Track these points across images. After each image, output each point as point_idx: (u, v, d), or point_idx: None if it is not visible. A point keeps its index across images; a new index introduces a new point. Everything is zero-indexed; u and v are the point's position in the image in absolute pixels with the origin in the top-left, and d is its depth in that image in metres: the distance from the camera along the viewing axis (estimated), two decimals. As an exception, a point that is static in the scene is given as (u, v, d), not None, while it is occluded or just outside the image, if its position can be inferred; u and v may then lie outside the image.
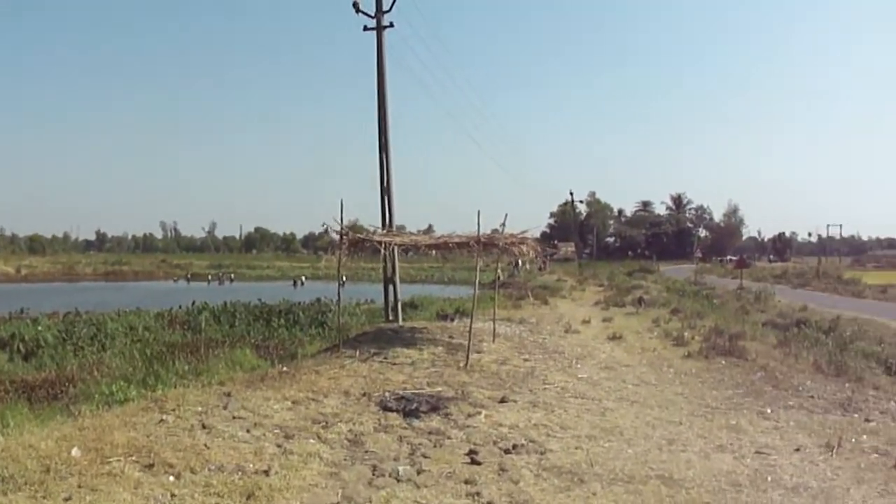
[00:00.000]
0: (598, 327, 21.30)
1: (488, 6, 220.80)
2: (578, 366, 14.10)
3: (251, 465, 6.88)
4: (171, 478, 6.42)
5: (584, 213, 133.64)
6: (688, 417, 9.95)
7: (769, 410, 10.42)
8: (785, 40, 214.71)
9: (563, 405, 10.35)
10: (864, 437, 8.92)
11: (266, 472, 6.69)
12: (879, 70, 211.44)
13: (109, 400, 11.08)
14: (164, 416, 8.52)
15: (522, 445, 8.03)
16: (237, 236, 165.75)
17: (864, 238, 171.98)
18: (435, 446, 7.98)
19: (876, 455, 8.12)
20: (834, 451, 8.18)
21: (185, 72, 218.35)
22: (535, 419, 9.39)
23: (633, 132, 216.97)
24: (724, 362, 14.65)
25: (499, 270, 39.46)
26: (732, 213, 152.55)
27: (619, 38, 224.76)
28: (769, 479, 7.19)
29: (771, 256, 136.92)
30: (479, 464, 7.29)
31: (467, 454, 7.59)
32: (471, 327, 14.49)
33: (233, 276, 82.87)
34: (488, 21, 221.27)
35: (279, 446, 7.63)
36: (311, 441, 7.92)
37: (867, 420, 9.89)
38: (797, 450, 8.31)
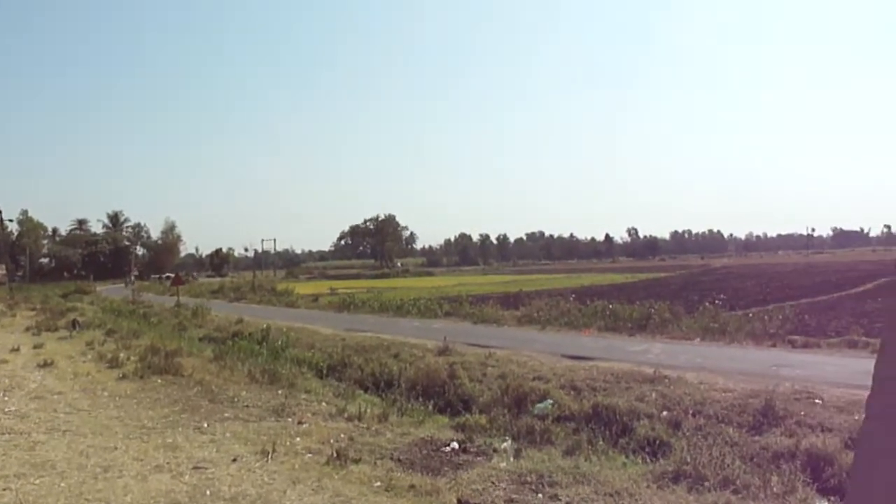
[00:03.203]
0: (28, 355, 19.62)
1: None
2: (6, 398, 13.08)
3: None
4: None
5: (16, 233, 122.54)
6: (123, 441, 9.85)
7: (206, 424, 10.85)
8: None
9: (-12, 444, 9.70)
10: (298, 439, 9.92)
11: None
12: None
13: None
14: None
15: (-56, 496, 7.39)
16: None
17: (298, 251, 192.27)
18: None
19: (309, 455, 9.09)
20: (269, 456, 8.91)
21: None
22: (-43, 465, 8.64)
23: (64, 148, 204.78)
24: (160, 381, 14.78)
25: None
26: (170, 230, 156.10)
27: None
28: (208, 492, 7.51)
29: (209, 272, 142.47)
30: None
31: None
32: None
33: None
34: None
35: None
36: None
37: (300, 423, 11.01)
38: (234, 460, 8.82)
